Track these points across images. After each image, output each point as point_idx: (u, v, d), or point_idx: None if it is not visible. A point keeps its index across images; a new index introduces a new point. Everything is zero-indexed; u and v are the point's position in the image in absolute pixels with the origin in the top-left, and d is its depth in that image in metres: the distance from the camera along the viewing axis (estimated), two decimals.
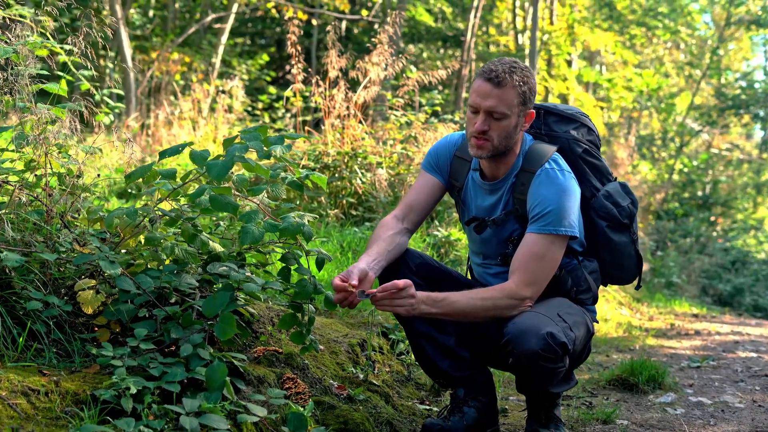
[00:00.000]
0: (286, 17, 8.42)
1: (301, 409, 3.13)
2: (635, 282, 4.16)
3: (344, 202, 7.83)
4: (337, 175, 7.99)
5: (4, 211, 3.47)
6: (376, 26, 8.43)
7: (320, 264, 3.91)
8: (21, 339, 3.27)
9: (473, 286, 3.98)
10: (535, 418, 3.95)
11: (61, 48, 6.15)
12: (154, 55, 15.51)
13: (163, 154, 3.54)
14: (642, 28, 26.90)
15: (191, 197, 3.55)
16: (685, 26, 27.81)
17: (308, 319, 3.83)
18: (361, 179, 7.91)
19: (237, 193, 3.88)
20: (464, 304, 3.59)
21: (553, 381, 3.64)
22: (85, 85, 7.49)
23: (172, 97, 10.72)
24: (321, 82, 8.13)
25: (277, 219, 3.81)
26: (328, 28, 8.19)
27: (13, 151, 3.83)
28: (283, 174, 3.59)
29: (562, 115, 3.91)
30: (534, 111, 3.70)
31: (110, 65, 16.55)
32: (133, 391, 2.99)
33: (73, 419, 2.91)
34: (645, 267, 15.37)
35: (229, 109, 10.73)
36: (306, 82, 8.28)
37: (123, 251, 3.76)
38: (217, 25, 19.20)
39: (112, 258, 3.31)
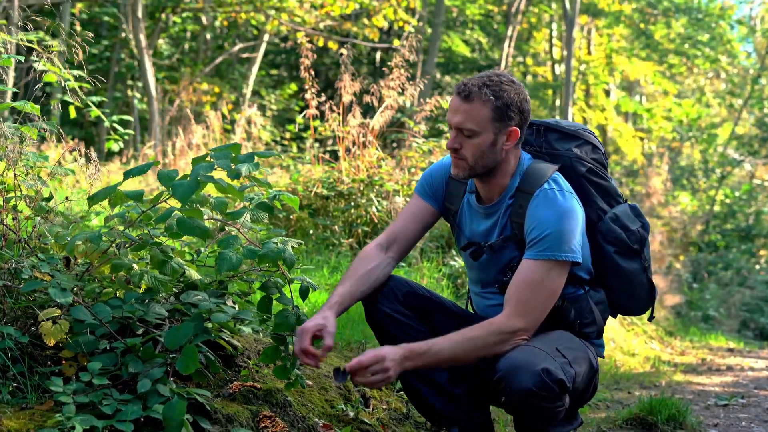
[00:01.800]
0: (301, 46, 8.15)
1: None
2: (648, 313, 3.84)
3: (359, 231, 7.57)
4: (352, 203, 7.73)
5: None
6: (403, 49, 8.08)
7: (304, 293, 3.65)
8: None
9: (468, 315, 3.70)
10: None
11: (70, 74, 5.97)
12: (183, 85, 15.41)
13: (128, 174, 3.30)
14: (681, 57, 26.52)
15: (157, 220, 3.30)
16: (726, 55, 27.37)
17: (293, 352, 3.57)
18: (377, 207, 7.65)
19: (217, 217, 3.64)
20: (450, 349, 3.28)
21: (551, 422, 3.34)
22: (95, 112, 7.32)
23: (198, 126, 10.53)
24: (335, 108, 7.90)
25: (258, 245, 3.57)
26: (341, 50, 7.96)
27: None
28: (251, 194, 3.32)
29: (563, 131, 3.62)
30: (518, 129, 3.40)
31: (137, 95, 16.51)
32: (79, 431, 2.74)
33: None
34: (679, 299, 14.97)
35: (246, 137, 10.52)
36: (322, 108, 8.05)
37: (92, 278, 3.53)
38: (246, 55, 19.14)
39: (65, 285, 3.06)
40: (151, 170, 8.77)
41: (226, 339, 3.85)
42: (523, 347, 3.26)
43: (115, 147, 7.36)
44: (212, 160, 3.23)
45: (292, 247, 3.63)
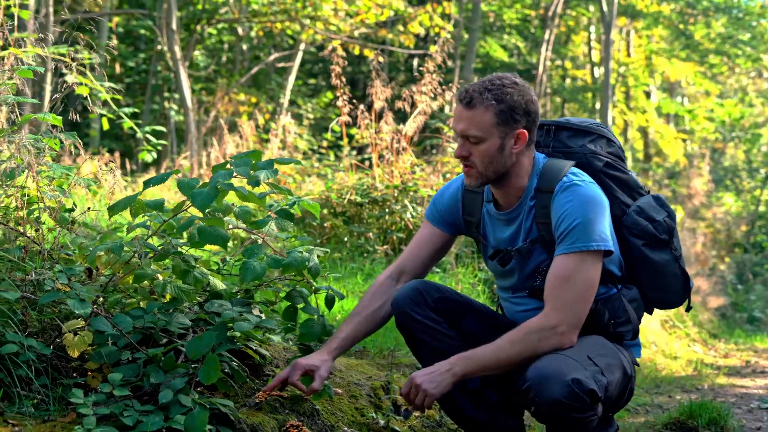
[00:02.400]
0: (333, 53, 8.12)
1: None
2: (685, 305, 3.72)
3: (394, 237, 7.51)
4: (387, 209, 7.68)
5: None
6: (444, 56, 8.03)
7: (330, 302, 3.62)
8: None
9: (500, 319, 3.63)
10: None
11: (102, 86, 5.98)
12: (218, 95, 15.47)
13: (148, 183, 3.27)
14: (721, 56, 26.21)
15: (178, 229, 3.27)
16: None
17: None
18: (411, 213, 7.59)
19: (241, 226, 3.60)
20: (493, 354, 3.23)
21: (583, 431, 3.26)
22: (128, 123, 7.36)
23: (232, 136, 10.53)
24: (366, 114, 7.85)
25: (283, 254, 3.53)
26: (371, 56, 7.92)
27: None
28: (271, 202, 3.28)
29: (575, 128, 3.54)
30: (526, 131, 3.32)
31: (174, 107, 16.58)
32: None
33: None
34: (723, 301, 14.75)
35: (281, 146, 10.51)
36: (354, 115, 8.02)
37: (115, 289, 3.50)
38: (282, 64, 19.16)
39: (84, 296, 3.03)
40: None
41: (254, 348, 3.82)
42: (553, 355, 3.18)
43: (148, 158, 7.34)
44: (232, 167, 3.19)
45: (318, 256, 3.58)
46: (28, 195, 3.64)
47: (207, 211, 3.37)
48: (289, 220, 3.29)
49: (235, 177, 3.16)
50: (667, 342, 9.69)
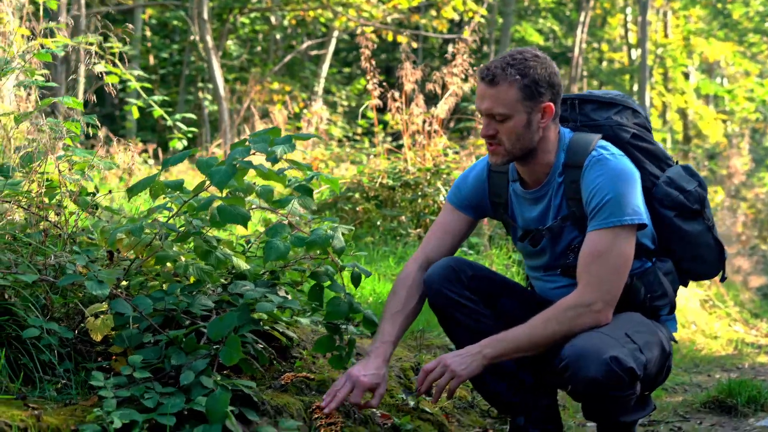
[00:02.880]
0: (362, 35, 8.06)
1: None
2: (719, 276, 3.61)
3: (426, 220, 7.44)
4: (419, 192, 7.61)
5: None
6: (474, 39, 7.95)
7: (356, 280, 3.54)
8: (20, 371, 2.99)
9: (535, 297, 3.54)
10: None
11: (130, 74, 5.94)
12: (251, 84, 15.45)
13: (166, 163, 3.22)
14: (761, 35, 25.83)
15: (197, 209, 3.22)
16: None
17: (348, 341, 3.47)
18: (444, 196, 7.51)
19: (264, 205, 3.54)
20: (528, 334, 3.16)
21: (621, 410, 3.18)
22: (158, 112, 7.32)
23: (262, 123, 10.50)
24: (397, 97, 7.78)
25: (306, 233, 3.47)
26: (400, 39, 7.85)
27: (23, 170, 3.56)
28: (290, 177, 3.22)
29: (600, 101, 3.44)
30: (551, 104, 3.23)
31: (208, 96, 16.59)
32: (118, 425, 2.66)
33: None
34: (765, 281, 14.53)
35: (315, 132, 10.46)
36: (385, 98, 7.95)
37: (138, 272, 3.46)
38: (315, 52, 19.11)
39: (102, 278, 2.98)
40: None
41: (281, 330, 3.77)
42: (591, 333, 3.10)
43: (179, 145, 7.36)
44: (250, 144, 3.13)
45: (343, 234, 3.52)
46: (50, 179, 3.61)
47: (228, 190, 3.33)
48: (308, 195, 3.22)
49: (253, 154, 3.10)
50: (707, 322, 9.54)
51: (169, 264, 3.46)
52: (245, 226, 3.14)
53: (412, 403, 3.80)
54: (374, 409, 3.27)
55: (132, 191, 3.24)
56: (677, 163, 3.47)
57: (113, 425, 2.65)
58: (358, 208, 7.50)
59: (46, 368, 3.16)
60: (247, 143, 3.15)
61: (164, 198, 3.43)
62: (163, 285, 3.42)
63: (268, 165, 3.20)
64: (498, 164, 3.32)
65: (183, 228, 3.32)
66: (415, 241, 7.19)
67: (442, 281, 3.39)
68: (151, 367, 3.01)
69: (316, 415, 3.28)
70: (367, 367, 3.22)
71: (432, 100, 8.26)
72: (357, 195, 7.58)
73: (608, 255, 3.14)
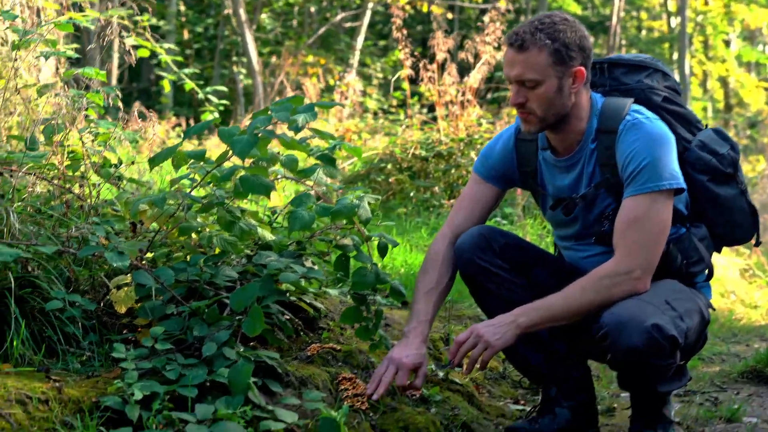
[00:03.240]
0: (394, 5, 7.98)
1: (334, 413, 2.70)
2: (753, 240, 3.53)
3: (460, 191, 7.35)
4: (452, 163, 7.53)
5: (17, 203, 3.17)
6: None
7: (383, 250, 3.49)
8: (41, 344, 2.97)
9: (567, 265, 3.47)
10: (640, 418, 3.40)
11: (161, 47, 5.90)
12: (284, 56, 15.40)
13: (188, 133, 3.18)
14: None
15: (220, 179, 3.18)
16: None
17: (375, 312, 3.42)
18: None
19: (288, 175, 3.50)
20: (564, 302, 3.10)
21: (660, 379, 3.11)
22: (189, 85, 7.29)
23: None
24: (429, 67, 7.70)
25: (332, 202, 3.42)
26: (435, 9, 7.75)
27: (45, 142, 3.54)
28: (314, 147, 3.16)
29: (629, 64, 3.35)
30: (583, 68, 3.14)
31: (242, 70, 16.56)
32: (138, 397, 2.63)
33: (72, 430, 2.57)
34: None
35: (350, 105, 10.40)
36: (416, 68, 7.87)
37: (162, 243, 3.43)
38: (349, 24, 19.02)
39: (123, 249, 2.95)
40: None
41: (308, 301, 3.73)
42: (631, 300, 3.03)
43: (211, 119, 7.31)
44: (271, 113, 3.08)
45: (369, 204, 3.46)
46: (73, 151, 3.58)
47: (252, 160, 3.28)
48: (331, 164, 3.16)
49: (274, 123, 3.05)
50: (746, 291, 9.40)
51: (193, 235, 3.43)
52: (268, 197, 3.10)
53: (441, 375, 3.76)
54: (418, 392, 3.23)
55: (154, 162, 3.20)
56: (707, 126, 3.39)
57: (134, 397, 2.62)
58: (390, 180, 7.45)
59: (71, 341, 3.14)
60: (269, 112, 3.10)
61: (187, 168, 3.40)
62: (188, 256, 3.39)
63: (291, 134, 3.15)
64: (531, 132, 3.25)
65: (206, 199, 3.28)
66: (448, 211, 7.12)
67: (474, 250, 3.33)
68: (174, 338, 2.98)
69: (343, 387, 3.24)
70: (408, 348, 3.18)
71: (467, 70, 8.17)
72: (389, 166, 7.52)
73: (646, 221, 3.07)
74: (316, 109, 3.18)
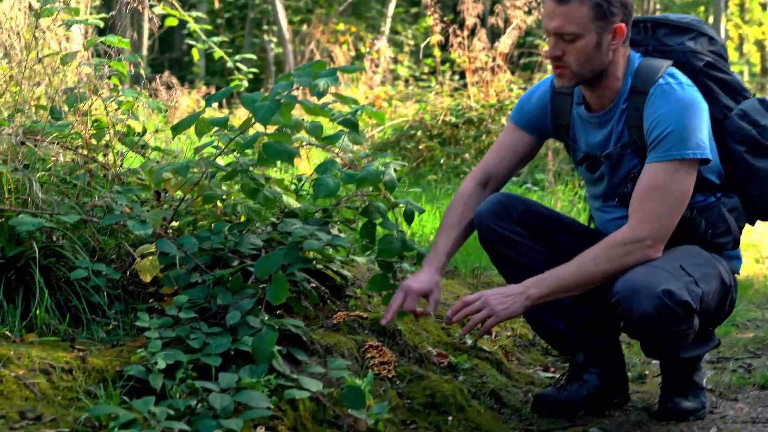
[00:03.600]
0: None
1: (359, 381, 2.67)
2: None
3: None
4: (483, 129, 7.46)
5: (41, 173, 3.15)
6: None
7: (409, 217, 3.45)
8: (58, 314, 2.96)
9: (591, 232, 3.42)
10: (669, 385, 3.36)
11: (189, 15, 5.86)
12: (314, 24, 15.32)
13: (210, 100, 3.14)
14: None
15: (243, 147, 3.14)
16: None
17: (402, 279, 3.38)
18: None
19: (313, 142, 3.46)
20: (575, 272, 3.04)
21: (679, 345, 3.06)
22: (218, 53, 7.26)
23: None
24: (459, 32, 7.61)
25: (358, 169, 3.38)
26: None
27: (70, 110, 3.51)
28: (336, 112, 3.12)
29: (674, 25, 3.26)
30: (623, 24, 3.07)
31: (273, 39, 16.50)
32: (162, 365, 2.62)
33: (95, 399, 2.56)
34: None
35: (381, 73, 10.32)
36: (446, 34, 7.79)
37: (187, 212, 3.41)
38: None
39: (145, 217, 2.93)
40: None
41: (335, 269, 3.70)
42: (643, 267, 2.98)
43: (241, 90, 7.30)
44: (294, 78, 3.04)
45: (395, 170, 3.42)
46: (98, 120, 3.56)
47: (276, 127, 3.25)
48: (354, 129, 3.11)
49: (297, 89, 3.00)
50: None
51: (218, 203, 3.41)
52: (291, 163, 3.07)
53: (470, 342, 3.72)
54: (432, 314, 3.15)
55: (176, 129, 3.18)
56: (755, 96, 3.30)
57: (157, 366, 2.60)
58: (420, 146, 7.39)
59: (96, 310, 3.14)
60: (291, 78, 3.06)
61: (211, 136, 3.37)
62: (212, 225, 3.36)
63: (314, 100, 3.11)
64: (565, 87, 3.18)
65: (230, 167, 3.25)
66: None
67: (491, 217, 3.29)
68: (198, 307, 2.96)
69: (369, 355, 3.21)
70: (419, 276, 3.16)
71: (497, 36, 8.07)
72: (419, 133, 7.46)
73: (665, 190, 3.01)
74: (344, 75, 3.14)
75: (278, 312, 3.20)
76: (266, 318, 2.88)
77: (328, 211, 3.64)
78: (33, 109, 3.53)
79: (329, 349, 3.05)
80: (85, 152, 3.36)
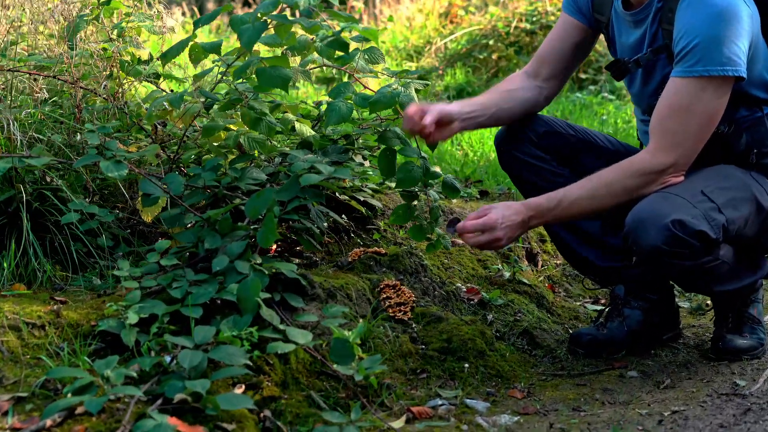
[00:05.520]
0: None
1: (347, 333, 2.41)
2: None
3: None
4: None
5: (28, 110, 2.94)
6: None
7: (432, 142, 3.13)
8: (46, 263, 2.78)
9: (625, 151, 3.08)
10: (721, 321, 3.03)
11: None
12: None
13: (197, 24, 2.87)
14: None
15: (235, 73, 2.88)
16: None
17: (431, 209, 3.09)
18: None
19: (328, 63, 3.17)
20: (586, 200, 2.72)
21: (709, 278, 2.73)
22: None
23: None
24: None
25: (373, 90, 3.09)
26: None
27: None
28: (322, 32, 2.82)
29: None
30: None
31: None
32: (133, 320, 2.41)
33: (68, 356, 2.37)
34: None
35: None
36: None
37: (191, 145, 3.18)
38: None
39: (121, 156, 2.69)
40: None
41: (362, 199, 3.44)
42: (654, 195, 2.65)
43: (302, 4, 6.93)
44: None
45: (417, 90, 3.12)
46: (106, 49, 3.32)
47: (283, 48, 2.98)
48: (343, 49, 2.79)
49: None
50: None
51: (222, 134, 3.16)
52: (285, 90, 2.79)
53: (507, 275, 3.43)
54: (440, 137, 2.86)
55: (166, 57, 2.93)
56: None
57: (128, 321, 2.40)
58: (493, 56, 6.99)
59: (99, 254, 2.94)
60: None
61: (213, 62, 3.12)
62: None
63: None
64: None
65: (228, 95, 3.00)
66: None
67: (507, 139, 3.04)
68: (186, 251, 2.74)
69: (384, 295, 2.96)
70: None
71: None
72: (492, 42, 7.05)
73: (689, 111, 2.64)
74: None
75: (277, 254, 2.96)
76: (259, 261, 2.64)
77: (350, 137, 3.37)
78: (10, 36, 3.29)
79: (332, 292, 2.79)
80: (83, 84, 3.12)
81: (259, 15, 2.71)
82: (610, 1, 2.97)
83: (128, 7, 3.33)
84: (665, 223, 2.54)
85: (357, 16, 9.13)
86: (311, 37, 2.99)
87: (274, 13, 2.68)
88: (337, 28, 2.81)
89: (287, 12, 2.75)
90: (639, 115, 3.09)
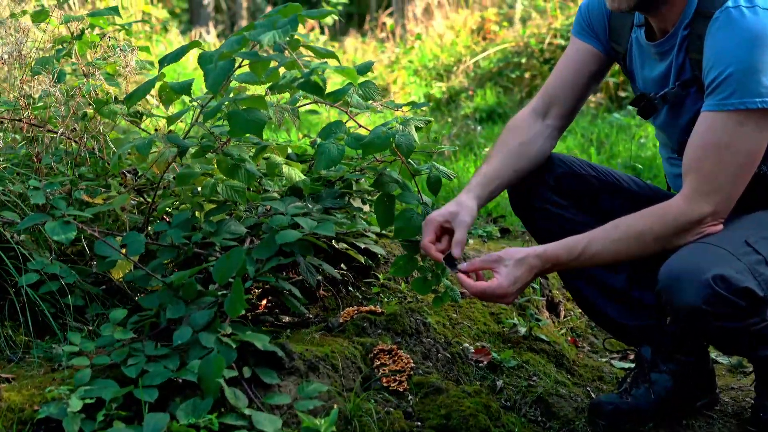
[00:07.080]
0: None
1: (319, 422, 2.09)
2: None
3: (609, 82, 6.50)
4: None
5: None
6: None
7: (434, 186, 2.82)
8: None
9: (652, 194, 2.74)
10: (765, 387, 2.66)
11: None
12: None
13: (162, 62, 2.57)
14: None
15: (205, 117, 2.58)
16: None
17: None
18: None
19: (319, 100, 2.86)
20: (611, 251, 2.40)
21: (755, 343, 2.37)
22: None
23: None
24: None
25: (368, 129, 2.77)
26: None
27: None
28: (293, 73, 2.50)
29: None
30: None
31: None
32: (76, 407, 2.10)
33: None
34: None
35: None
36: None
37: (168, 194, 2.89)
38: None
39: (70, 218, 2.39)
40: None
41: (362, 247, 3.13)
42: (691, 246, 2.30)
43: (328, 20, 6.71)
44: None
45: (418, 128, 2.79)
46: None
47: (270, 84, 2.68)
48: (314, 92, 2.45)
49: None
50: None
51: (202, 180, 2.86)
52: (259, 135, 2.48)
53: (523, 330, 3.08)
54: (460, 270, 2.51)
55: (130, 100, 2.63)
56: None
57: (69, 408, 2.09)
58: (526, 75, 6.64)
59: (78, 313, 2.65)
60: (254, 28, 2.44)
61: (188, 103, 2.82)
62: (197, 212, 2.83)
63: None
64: (619, 10, 2.49)
65: (203, 139, 2.70)
66: (593, 109, 6.29)
67: (522, 184, 2.71)
68: (148, 320, 2.43)
69: (379, 362, 2.63)
70: (447, 205, 2.56)
71: None
72: (524, 60, 6.70)
73: (728, 149, 2.30)
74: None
75: (266, 311, 2.67)
76: (228, 332, 2.33)
77: (346, 180, 3.06)
78: None
79: (313, 365, 2.46)
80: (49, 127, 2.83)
81: (224, 53, 2.40)
82: (628, 28, 2.64)
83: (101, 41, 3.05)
84: (706, 278, 2.20)
85: (385, 36, 8.85)
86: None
87: (243, 50, 2.36)
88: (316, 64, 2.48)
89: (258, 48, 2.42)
90: (666, 154, 2.75)
